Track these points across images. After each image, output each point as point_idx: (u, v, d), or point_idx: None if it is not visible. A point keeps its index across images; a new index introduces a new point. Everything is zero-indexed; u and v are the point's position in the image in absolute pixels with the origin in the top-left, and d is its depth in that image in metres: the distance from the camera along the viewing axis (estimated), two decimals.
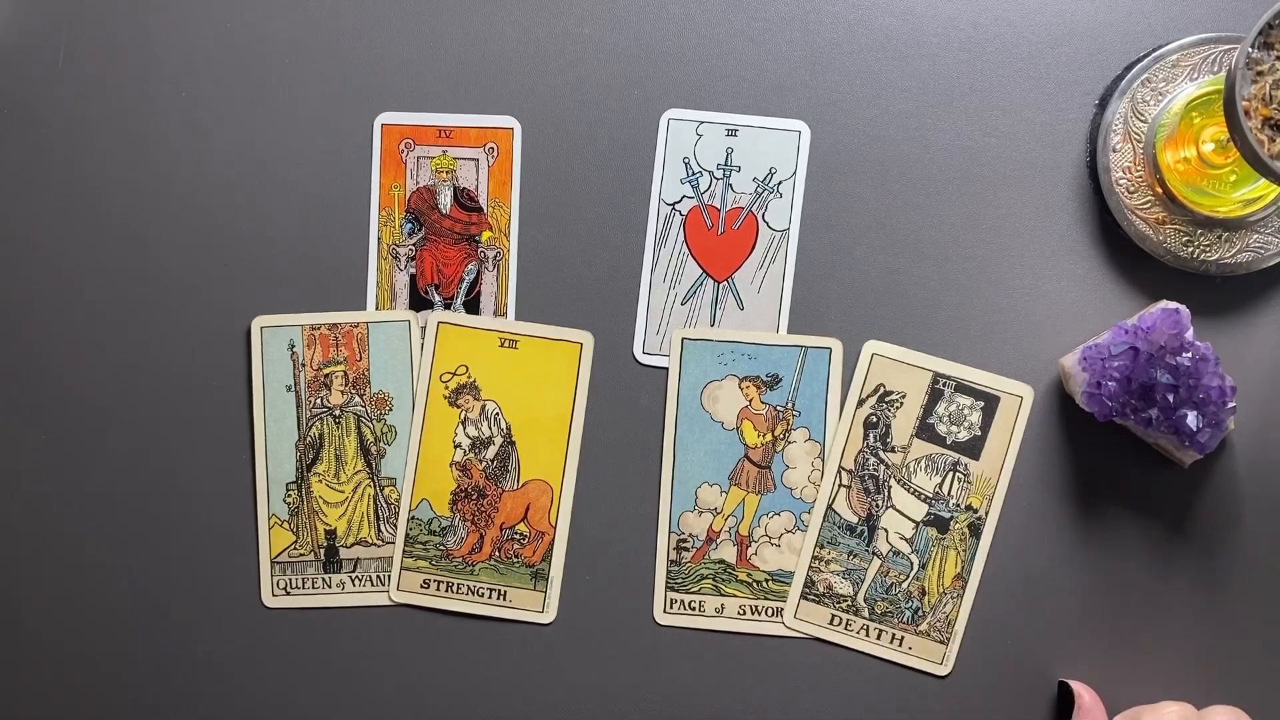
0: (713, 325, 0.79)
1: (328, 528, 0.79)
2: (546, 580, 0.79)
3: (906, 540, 0.78)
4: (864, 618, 0.78)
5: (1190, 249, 0.77)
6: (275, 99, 0.79)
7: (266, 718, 0.79)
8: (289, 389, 0.79)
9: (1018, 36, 0.79)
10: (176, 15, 0.80)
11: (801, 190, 0.79)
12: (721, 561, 0.79)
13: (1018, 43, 0.79)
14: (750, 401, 0.79)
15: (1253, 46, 0.67)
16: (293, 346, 0.79)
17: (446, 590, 0.79)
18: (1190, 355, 0.73)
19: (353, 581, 0.79)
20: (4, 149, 0.80)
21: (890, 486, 0.78)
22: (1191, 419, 0.73)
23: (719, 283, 0.79)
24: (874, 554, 0.78)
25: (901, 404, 0.78)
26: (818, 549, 0.78)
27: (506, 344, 0.79)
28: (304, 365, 0.79)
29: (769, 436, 0.79)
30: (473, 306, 0.79)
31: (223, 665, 0.79)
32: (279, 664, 0.79)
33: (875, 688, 0.78)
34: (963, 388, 0.78)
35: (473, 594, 0.79)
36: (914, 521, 0.78)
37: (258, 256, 0.79)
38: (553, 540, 0.79)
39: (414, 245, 0.79)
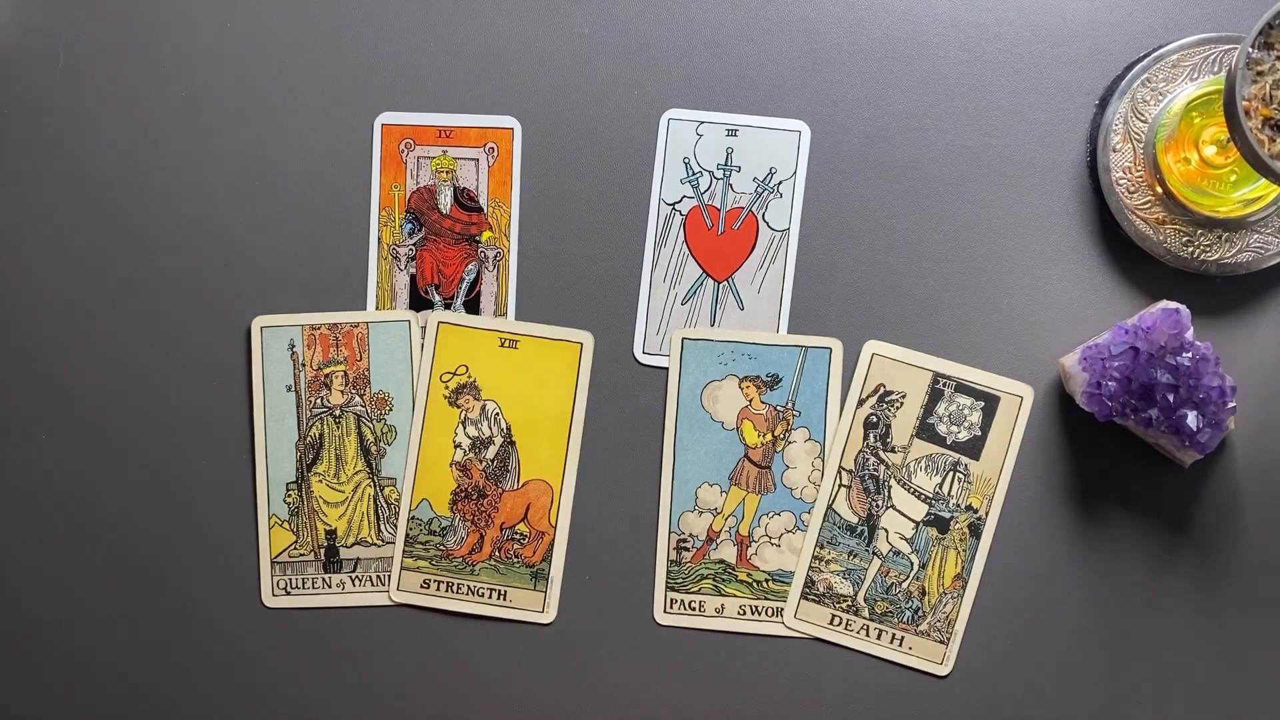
0: (713, 325, 0.79)
1: (328, 528, 0.79)
2: (546, 580, 0.79)
3: (906, 540, 0.78)
4: (864, 618, 0.78)
5: (1190, 249, 0.77)
6: (275, 99, 0.79)
7: (266, 718, 0.79)
8: (289, 389, 0.79)
9: (1018, 36, 0.79)
10: (177, 15, 0.80)
11: (801, 190, 0.79)
12: (721, 561, 0.79)
13: (1018, 43, 0.79)
14: (750, 401, 0.79)
15: (1253, 46, 0.67)
16: (293, 346, 0.79)
17: (446, 590, 0.79)
18: (1190, 355, 0.73)
19: (353, 581, 0.79)
20: (4, 149, 0.80)
21: (890, 486, 0.78)
22: (1191, 419, 0.73)
23: (719, 283, 0.79)
24: (874, 554, 0.78)
25: (901, 404, 0.78)
26: (818, 549, 0.78)
27: (506, 344, 0.79)
28: (304, 365, 0.79)
29: (769, 436, 0.79)
30: (473, 306, 0.79)
31: (223, 665, 0.79)
32: (279, 664, 0.79)
33: (875, 688, 0.78)
34: (963, 388, 0.78)
35: (473, 594, 0.79)
36: (914, 521, 0.78)
37: (258, 256, 0.79)
38: (553, 540, 0.79)
39: (414, 245, 0.79)
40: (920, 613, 0.78)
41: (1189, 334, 0.73)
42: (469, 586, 0.79)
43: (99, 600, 0.79)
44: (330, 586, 0.79)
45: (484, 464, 0.79)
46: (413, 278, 0.79)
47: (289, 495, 0.79)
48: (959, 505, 0.78)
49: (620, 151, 0.79)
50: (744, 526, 0.79)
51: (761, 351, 0.79)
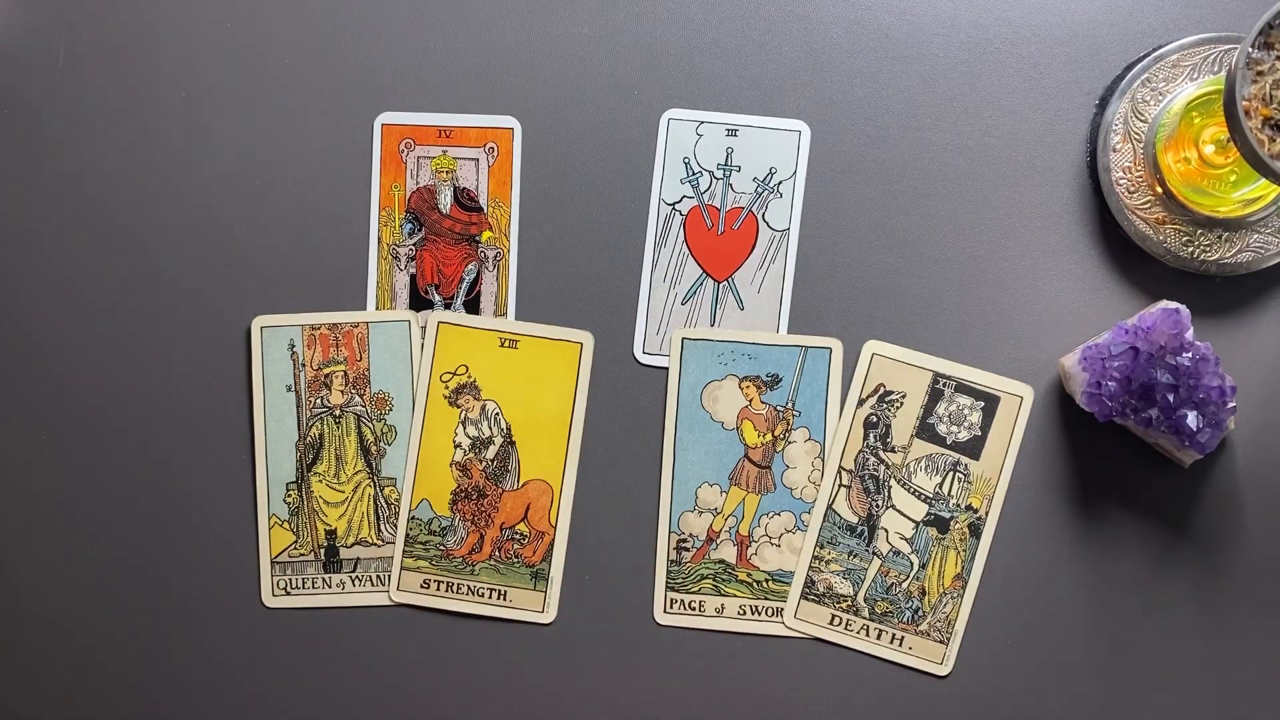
0: (713, 325, 0.79)
1: (328, 528, 0.79)
2: (546, 580, 0.79)
3: (906, 540, 0.78)
4: (864, 618, 0.78)
5: (1190, 249, 0.77)
6: (275, 99, 0.79)
7: (266, 718, 0.79)
8: (289, 389, 0.79)
9: (1018, 36, 0.79)
10: (177, 15, 0.80)
11: (801, 190, 0.79)
12: (721, 561, 0.79)
13: (1018, 43, 0.79)
14: (750, 401, 0.79)
15: (1253, 46, 0.67)
16: (293, 346, 0.79)
17: (446, 590, 0.79)
18: (1190, 355, 0.73)
19: (353, 581, 0.79)
20: (4, 149, 0.80)
21: (890, 486, 0.78)
22: (1191, 419, 0.73)
23: (719, 283, 0.79)
24: (874, 554, 0.78)
25: (901, 404, 0.78)
26: (818, 549, 0.78)
27: (506, 344, 0.79)
28: (304, 365, 0.79)
29: (769, 436, 0.79)
30: (473, 306, 0.79)
31: (223, 665, 0.79)
32: (279, 664, 0.79)
33: (875, 688, 0.78)
34: (963, 388, 0.78)
35: (473, 594, 0.79)
36: (914, 521, 0.78)
37: (258, 256, 0.79)
38: (553, 540, 0.79)
39: (414, 245, 0.79)
40: (920, 613, 0.78)
41: (1189, 334, 0.73)
42: (469, 586, 0.79)
43: (99, 600, 0.79)
44: (330, 586, 0.79)
45: (484, 464, 0.79)
46: (413, 278, 0.79)
47: (289, 495, 0.79)
48: (959, 505, 0.78)
49: (620, 151, 0.79)
50: (744, 526, 0.79)
51: (761, 351, 0.79)
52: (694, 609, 0.78)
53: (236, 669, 0.79)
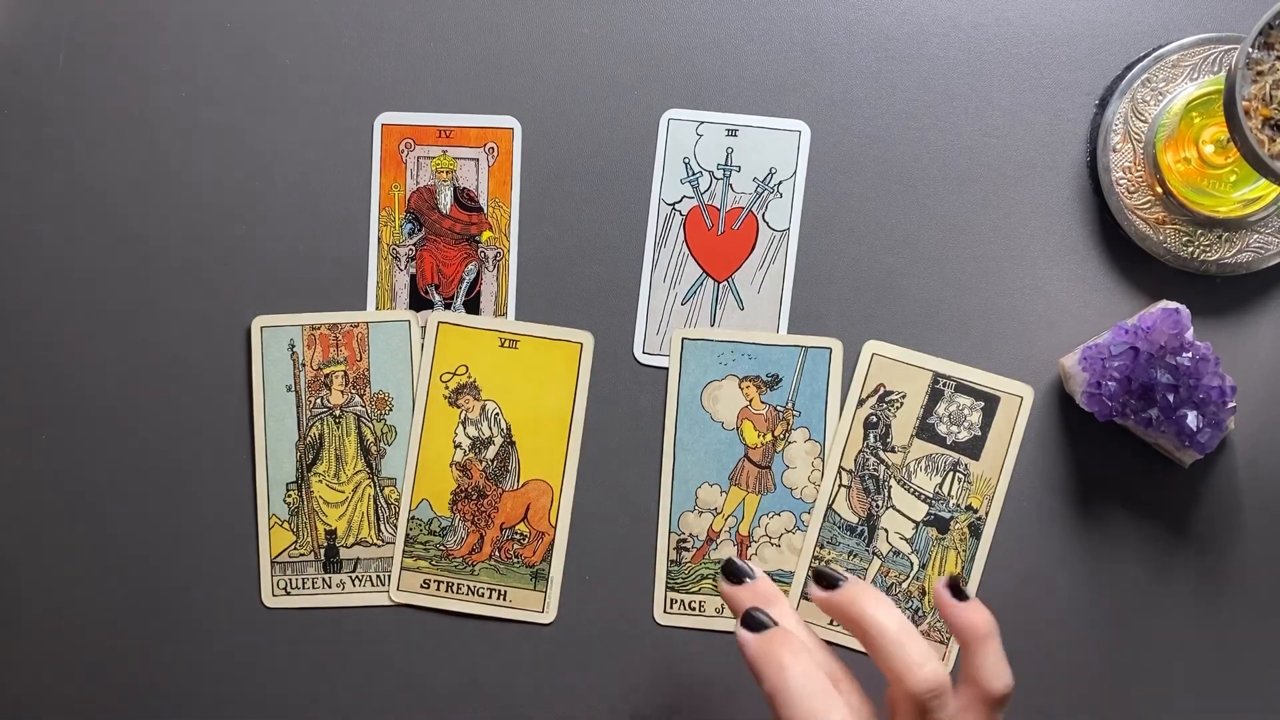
0: (713, 325, 0.79)
1: (328, 528, 0.79)
2: (546, 580, 0.79)
3: (906, 540, 0.78)
4: None
5: (1190, 249, 0.77)
6: (275, 99, 0.79)
7: (266, 718, 0.79)
8: (289, 389, 0.79)
9: (1018, 36, 0.79)
10: (177, 15, 0.80)
11: (801, 190, 0.79)
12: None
13: (1018, 43, 0.79)
14: (750, 401, 0.79)
15: (1253, 46, 0.67)
16: (293, 346, 0.79)
17: (446, 590, 0.79)
18: (1190, 355, 0.73)
19: (353, 581, 0.79)
20: (4, 149, 0.80)
21: (890, 486, 0.78)
22: (1191, 419, 0.73)
23: (719, 283, 0.79)
24: (874, 554, 0.78)
25: (901, 404, 0.78)
26: (818, 549, 0.78)
27: (506, 344, 0.79)
28: (304, 365, 0.79)
29: (769, 436, 0.79)
30: (473, 306, 0.79)
31: (223, 665, 0.79)
32: (279, 664, 0.79)
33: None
34: (963, 388, 0.78)
35: (473, 594, 0.79)
36: (914, 521, 0.78)
37: (258, 256, 0.79)
38: (553, 540, 0.79)
39: (414, 245, 0.79)
40: (920, 613, 0.78)
41: (1189, 334, 0.73)
42: (469, 586, 0.79)
43: (99, 600, 0.79)
44: (330, 586, 0.79)
45: (484, 464, 0.79)
46: (413, 278, 0.79)
47: (289, 495, 0.79)
48: (959, 505, 0.78)
49: (620, 151, 0.79)
50: (744, 526, 0.79)
51: (761, 351, 0.79)
52: (694, 609, 0.78)
53: (236, 669, 0.79)
